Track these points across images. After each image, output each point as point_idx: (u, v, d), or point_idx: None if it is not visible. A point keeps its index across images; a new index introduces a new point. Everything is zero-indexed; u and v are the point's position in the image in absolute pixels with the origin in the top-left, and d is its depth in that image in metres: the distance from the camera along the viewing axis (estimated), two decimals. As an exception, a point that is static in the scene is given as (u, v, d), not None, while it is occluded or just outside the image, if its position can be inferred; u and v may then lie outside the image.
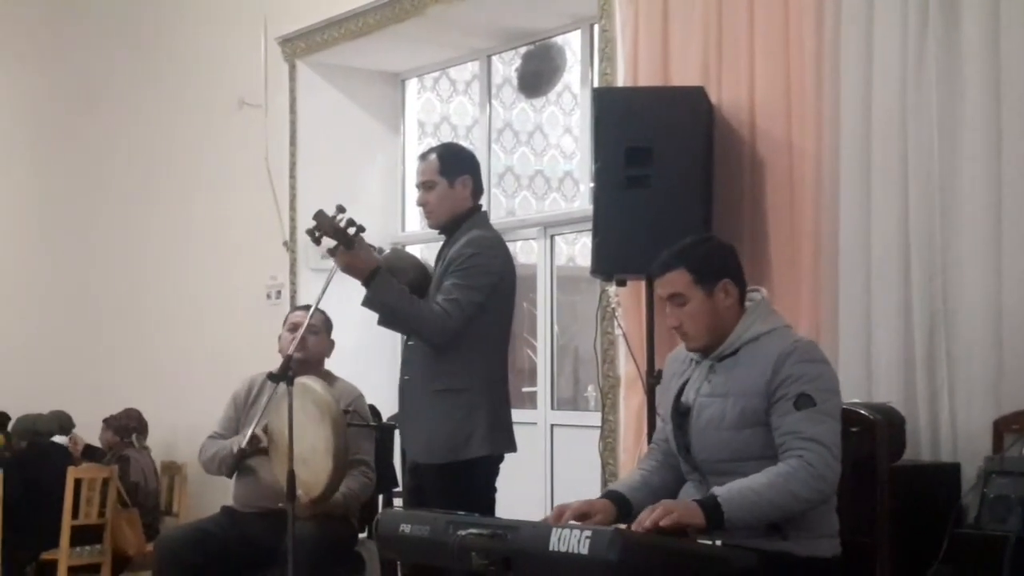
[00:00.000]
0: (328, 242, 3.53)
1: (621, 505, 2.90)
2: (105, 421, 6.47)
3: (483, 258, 3.58)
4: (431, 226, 3.82)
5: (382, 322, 3.70)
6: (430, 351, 3.62)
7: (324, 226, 3.48)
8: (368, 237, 3.70)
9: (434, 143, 6.64)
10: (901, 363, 3.67)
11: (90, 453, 6.28)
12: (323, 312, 4.27)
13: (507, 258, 3.71)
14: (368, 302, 3.59)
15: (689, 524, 2.62)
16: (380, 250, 3.74)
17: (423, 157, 3.78)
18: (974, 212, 3.56)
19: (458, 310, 3.53)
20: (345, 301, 3.97)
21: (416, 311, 3.56)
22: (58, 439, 6.26)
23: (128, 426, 6.41)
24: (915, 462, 3.50)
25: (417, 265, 3.81)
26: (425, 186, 3.72)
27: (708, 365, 2.91)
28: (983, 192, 3.54)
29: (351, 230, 3.49)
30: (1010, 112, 3.50)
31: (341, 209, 3.51)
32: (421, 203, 3.75)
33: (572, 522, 2.76)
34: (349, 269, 3.54)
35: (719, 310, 2.86)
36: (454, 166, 3.70)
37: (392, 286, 3.55)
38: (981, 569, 3.06)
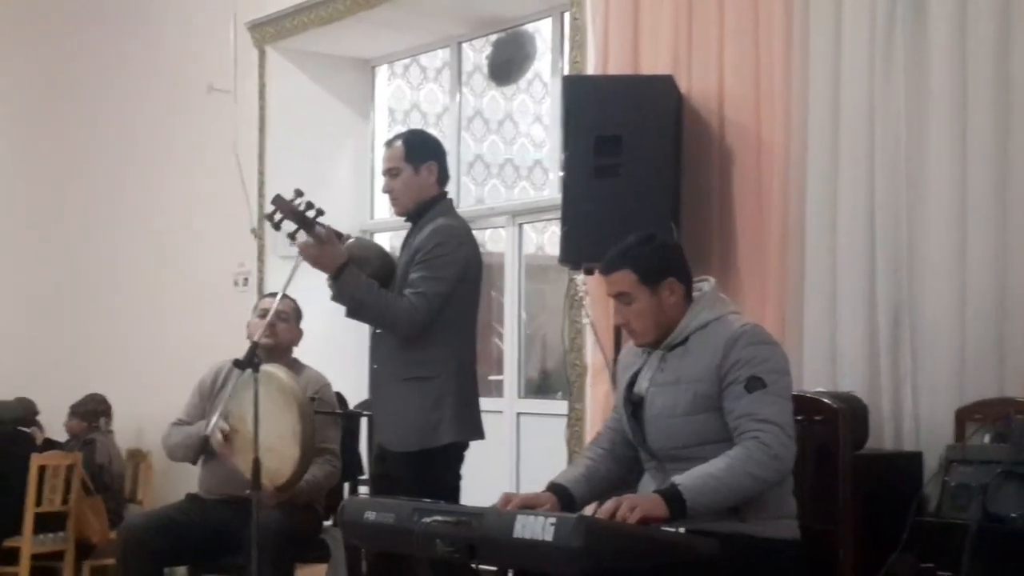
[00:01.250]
0: (290, 227, 3.51)
1: (563, 498, 2.93)
2: (72, 408, 6.42)
3: (447, 247, 3.57)
4: (397, 213, 3.80)
5: (350, 314, 3.69)
6: (398, 340, 3.61)
7: (282, 209, 3.46)
8: (337, 225, 3.69)
9: (403, 130, 6.63)
10: (865, 353, 3.70)
11: (49, 447, 6.22)
12: (293, 300, 4.26)
13: (473, 246, 3.70)
14: (337, 296, 3.58)
15: (654, 518, 2.64)
16: (347, 237, 3.73)
17: (388, 144, 3.77)
18: (939, 204, 3.58)
19: (425, 303, 3.52)
20: (313, 289, 3.95)
21: (384, 305, 3.54)
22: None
23: (96, 410, 6.37)
24: (878, 451, 3.53)
25: (381, 254, 3.80)
26: (390, 173, 3.70)
27: (659, 355, 2.94)
28: (948, 184, 3.56)
29: (310, 213, 3.47)
30: (976, 105, 3.52)
31: (299, 193, 3.49)
32: (387, 190, 3.74)
33: (537, 509, 2.78)
34: (318, 264, 3.53)
35: (665, 308, 2.90)
36: (419, 152, 3.69)
37: (360, 280, 3.53)
38: (942, 557, 3.08)
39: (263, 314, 4.14)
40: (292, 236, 3.51)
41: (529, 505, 2.83)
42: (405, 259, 3.63)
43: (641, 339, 2.96)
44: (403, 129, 6.20)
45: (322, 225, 3.51)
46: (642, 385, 2.94)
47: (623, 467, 3.04)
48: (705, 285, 2.98)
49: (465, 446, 3.66)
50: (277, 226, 3.51)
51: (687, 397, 2.83)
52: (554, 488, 2.96)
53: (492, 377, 5.76)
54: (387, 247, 6.28)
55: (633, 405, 2.95)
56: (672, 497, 2.67)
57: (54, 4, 7.69)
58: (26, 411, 6.33)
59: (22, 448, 5.86)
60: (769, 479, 2.73)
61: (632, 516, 2.61)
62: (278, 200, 3.49)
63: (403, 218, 3.78)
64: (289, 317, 4.27)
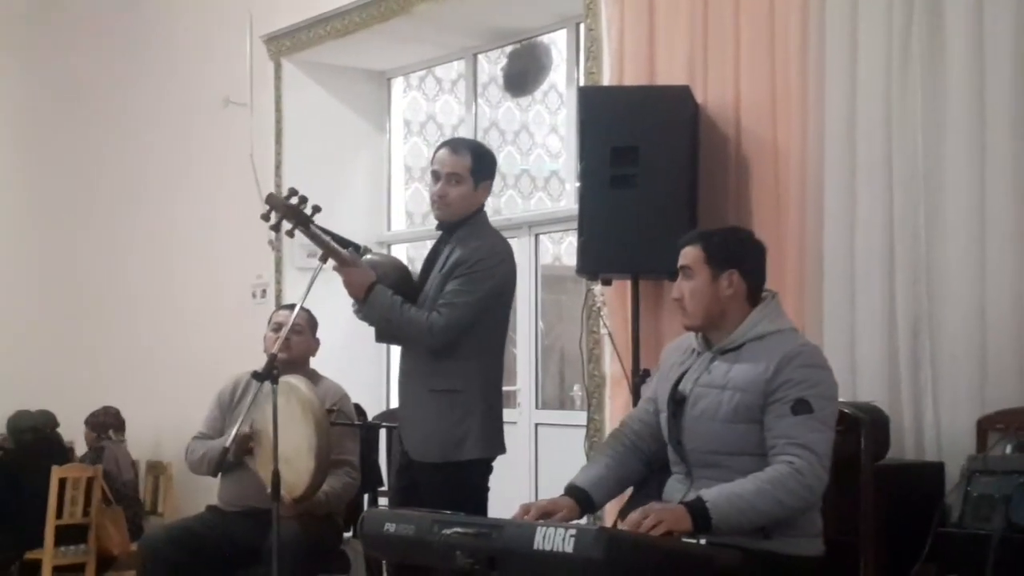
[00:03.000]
0: (302, 238, 3.52)
1: (582, 501, 2.91)
2: (86, 419, 6.43)
3: (489, 263, 3.56)
4: (438, 218, 3.70)
5: (379, 337, 3.70)
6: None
7: (276, 207, 3.47)
8: (353, 237, 3.70)
9: (420, 143, 6.66)
10: (885, 362, 3.69)
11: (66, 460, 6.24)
12: (308, 311, 4.26)
13: (511, 264, 3.68)
14: (367, 318, 3.61)
15: (678, 531, 2.63)
16: (366, 249, 3.73)
17: (454, 149, 3.66)
18: (958, 213, 3.57)
19: (450, 313, 3.51)
20: (331, 299, 3.97)
21: (406, 322, 3.54)
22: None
23: (106, 423, 6.38)
24: (899, 461, 3.51)
25: (397, 266, 3.79)
26: (451, 179, 3.61)
27: (708, 357, 2.92)
28: (967, 193, 3.55)
29: (307, 210, 3.48)
30: (994, 114, 3.51)
31: (293, 192, 3.50)
32: (440, 194, 3.62)
33: (555, 517, 2.78)
34: (349, 285, 3.55)
35: (719, 297, 2.88)
36: (484, 170, 3.65)
37: (387, 299, 3.55)
38: (965, 568, 3.07)
39: (277, 328, 4.16)
40: (291, 233, 3.52)
41: (547, 513, 2.82)
42: (444, 271, 3.58)
43: (690, 320, 2.93)
44: (423, 142, 6.25)
45: (352, 244, 3.53)
46: (687, 385, 2.92)
47: (645, 463, 3.02)
48: (767, 296, 2.95)
49: (492, 458, 3.66)
50: (276, 227, 3.52)
51: (731, 404, 2.80)
52: (572, 491, 2.94)
53: (508, 388, 5.76)
54: (404, 258, 6.34)
55: (675, 404, 2.92)
56: (698, 511, 2.65)
57: (70, 18, 7.73)
58: (46, 423, 6.34)
59: (43, 460, 5.87)
60: (797, 507, 2.72)
61: (657, 530, 2.60)
62: (271, 198, 3.50)
63: (437, 225, 3.73)
64: (303, 329, 4.27)
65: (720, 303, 2.89)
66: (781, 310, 2.96)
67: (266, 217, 3.49)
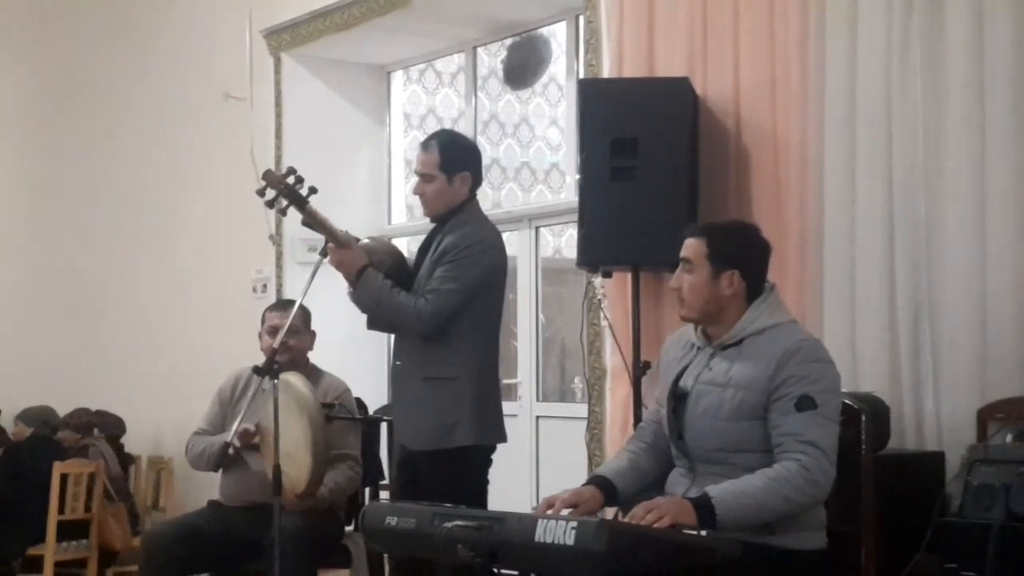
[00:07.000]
0: (299, 219, 3.53)
1: (607, 490, 2.91)
2: (64, 423, 6.36)
3: (475, 249, 3.57)
4: (425, 215, 3.76)
5: (371, 324, 3.70)
6: (420, 338, 3.61)
7: (272, 184, 3.46)
8: (354, 230, 3.70)
9: (420, 136, 6.65)
10: (886, 352, 3.69)
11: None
12: (301, 307, 4.24)
13: (500, 251, 3.69)
14: (356, 300, 3.61)
15: (682, 525, 2.63)
16: (357, 240, 3.73)
17: (424, 146, 3.70)
18: (958, 202, 3.57)
19: (438, 299, 3.52)
20: (331, 294, 3.96)
21: (395, 305, 3.55)
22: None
23: (89, 422, 6.35)
24: (900, 451, 3.52)
25: (392, 251, 3.79)
26: (423, 178, 3.66)
27: (709, 352, 2.90)
28: (967, 181, 3.55)
29: (303, 190, 3.47)
30: (994, 103, 3.51)
31: (292, 170, 3.50)
32: (418, 193, 3.69)
33: (561, 512, 2.78)
34: (341, 267, 3.57)
35: (718, 296, 2.86)
36: (455, 162, 3.64)
37: (377, 282, 3.56)
38: (965, 558, 3.07)
39: (272, 331, 4.13)
40: (283, 212, 3.51)
41: (572, 503, 2.83)
42: (433, 258, 3.60)
43: (687, 312, 2.91)
44: (422, 135, 6.21)
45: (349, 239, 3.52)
46: (688, 381, 2.90)
47: (664, 461, 3.01)
48: (765, 288, 2.92)
49: (491, 449, 3.65)
50: (271, 204, 3.52)
51: (734, 402, 2.79)
52: (597, 480, 2.95)
53: (508, 381, 5.76)
54: (405, 251, 6.34)
55: (676, 400, 2.91)
56: (703, 506, 2.65)
57: (70, 14, 7.73)
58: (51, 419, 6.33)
59: (45, 456, 5.87)
60: (804, 503, 2.71)
61: (662, 523, 2.59)
62: (268, 175, 3.50)
63: (429, 219, 3.77)
64: (299, 328, 4.20)
65: (718, 301, 2.86)
66: (780, 302, 2.94)
67: (261, 193, 3.49)
